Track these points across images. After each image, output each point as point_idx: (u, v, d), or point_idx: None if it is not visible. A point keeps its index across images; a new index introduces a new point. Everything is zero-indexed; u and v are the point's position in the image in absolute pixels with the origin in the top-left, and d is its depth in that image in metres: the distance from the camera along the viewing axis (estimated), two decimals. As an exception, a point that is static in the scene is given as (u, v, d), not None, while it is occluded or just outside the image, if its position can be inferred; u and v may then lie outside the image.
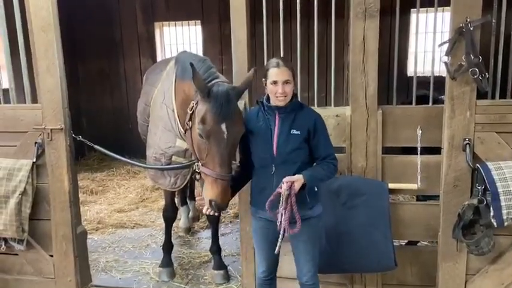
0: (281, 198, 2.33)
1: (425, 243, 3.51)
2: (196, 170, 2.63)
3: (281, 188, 2.34)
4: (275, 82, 2.45)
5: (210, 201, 2.50)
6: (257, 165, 2.58)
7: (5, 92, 3.41)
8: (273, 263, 2.69)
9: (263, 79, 2.54)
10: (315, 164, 2.52)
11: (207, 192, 2.52)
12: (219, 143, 2.48)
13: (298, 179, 2.36)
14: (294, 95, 2.55)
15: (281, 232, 2.36)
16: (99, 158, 7.60)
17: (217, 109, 2.49)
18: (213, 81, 2.75)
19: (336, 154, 2.57)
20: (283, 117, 2.51)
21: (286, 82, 2.45)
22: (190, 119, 2.71)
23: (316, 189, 2.54)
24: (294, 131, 2.47)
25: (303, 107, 2.58)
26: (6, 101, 3.39)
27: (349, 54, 3.07)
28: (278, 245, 2.39)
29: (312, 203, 2.50)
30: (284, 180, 2.34)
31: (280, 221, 2.35)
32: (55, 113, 3.18)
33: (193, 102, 2.68)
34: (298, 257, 2.61)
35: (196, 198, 2.76)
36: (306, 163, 2.49)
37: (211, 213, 2.56)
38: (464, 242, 2.82)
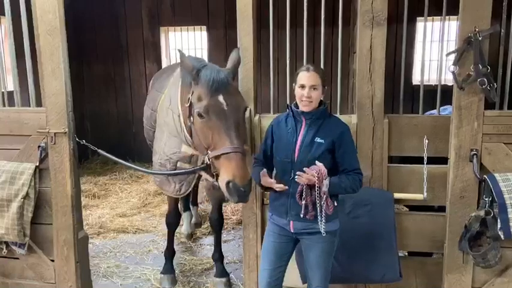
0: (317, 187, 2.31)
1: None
2: (207, 162, 2.53)
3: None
4: (302, 86, 2.44)
5: (228, 184, 2.31)
6: (277, 169, 2.55)
7: (10, 94, 3.40)
8: (274, 278, 2.57)
9: (293, 84, 2.53)
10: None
11: (222, 177, 2.34)
12: (221, 116, 2.45)
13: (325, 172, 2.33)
14: (323, 103, 2.52)
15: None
16: (102, 162, 7.59)
17: (210, 82, 2.49)
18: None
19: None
20: (309, 123, 2.47)
21: (313, 87, 2.42)
22: (190, 114, 2.66)
23: (335, 204, 2.48)
24: (318, 139, 2.43)
25: (331, 116, 2.55)
26: (11, 104, 3.39)
27: (354, 62, 3.05)
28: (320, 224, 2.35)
29: (330, 217, 2.43)
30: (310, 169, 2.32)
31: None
32: (59, 116, 3.17)
33: (189, 95, 2.67)
34: (309, 270, 2.55)
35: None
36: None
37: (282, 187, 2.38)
38: (470, 254, 2.78)
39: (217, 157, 2.43)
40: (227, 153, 2.38)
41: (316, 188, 2.32)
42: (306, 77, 2.44)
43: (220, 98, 2.47)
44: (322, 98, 2.51)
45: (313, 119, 2.47)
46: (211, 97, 2.47)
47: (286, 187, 2.42)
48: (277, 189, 2.42)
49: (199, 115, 2.52)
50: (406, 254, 3.40)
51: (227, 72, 2.67)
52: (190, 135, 2.84)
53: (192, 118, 2.67)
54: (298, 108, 2.50)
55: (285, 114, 2.61)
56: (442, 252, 2.99)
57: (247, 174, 2.40)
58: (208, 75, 2.55)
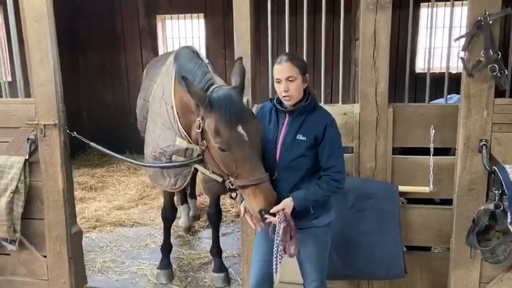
0: (276, 230, 2.22)
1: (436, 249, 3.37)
2: (231, 187, 2.39)
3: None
4: (278, 80, 2.26)
5: (260, 212, 2.25)
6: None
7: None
8: (266, 270, 2.44)
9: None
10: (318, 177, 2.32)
11: (252, 205, 2.28)
12: (244, 148, 2.26)
13: (287, 205, 2.21)
14: (309, 94, 2.32)
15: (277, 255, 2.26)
16: (99, 154, 7.44)
17: (226, 114, 2.28)
18: (210, 89, 2.57)
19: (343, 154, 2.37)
20: (291, 120, 2.31)
21: (289, 79, 2.23)
22: (202, 138, 2.47)
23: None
24: (300, 137, 2.27)
25: (316, 109, 2.34)
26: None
27: (356, 49, 2.91)
28: (275, 268, 2.26)
29: (318, 212, 2.32)
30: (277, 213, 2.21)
31: (277, 243, 2.23)
32: (48, 108, 3.03)
33: (198, 119, 2.46)
34: (303, 266, 2.45)
35: (247, 218, 2.45)
36: (311, 171, 2.29)
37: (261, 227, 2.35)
38: (479, 249, 2.67)
39: (243, 186, 2.32)
40: (255, 184, 2.26)
41: (276, 231, 2.21)
42: (278, 70, 2.25)
43: (240, 129, 2.28)
44: (305, 87, 2.30)
45: (296, 114, 2.30)
46: (230, 130, 2.27)
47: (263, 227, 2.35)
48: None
49: (221, 150, 2.33)
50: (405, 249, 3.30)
51: (238, 93, 2.45)
52: (203, 155, 2.61)
53: (205, 142, 2.46)
54: (281, 103, 2.34)
55: (268, 107, 2.45)
56: (448, 247, 2.88)
57: (275, 197, 2.29)
58: (223, 106, 2.32)
